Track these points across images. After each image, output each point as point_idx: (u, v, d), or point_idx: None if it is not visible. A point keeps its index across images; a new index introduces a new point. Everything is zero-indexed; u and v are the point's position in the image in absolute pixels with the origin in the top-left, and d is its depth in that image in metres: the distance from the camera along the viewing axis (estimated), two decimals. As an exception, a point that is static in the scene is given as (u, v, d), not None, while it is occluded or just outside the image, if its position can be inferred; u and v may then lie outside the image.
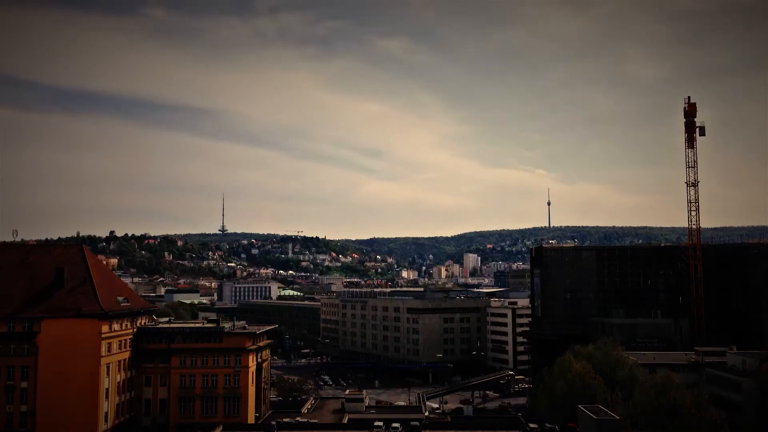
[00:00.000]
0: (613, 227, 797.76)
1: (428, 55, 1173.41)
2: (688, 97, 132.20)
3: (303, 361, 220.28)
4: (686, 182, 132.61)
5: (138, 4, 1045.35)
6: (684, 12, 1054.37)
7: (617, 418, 63.46)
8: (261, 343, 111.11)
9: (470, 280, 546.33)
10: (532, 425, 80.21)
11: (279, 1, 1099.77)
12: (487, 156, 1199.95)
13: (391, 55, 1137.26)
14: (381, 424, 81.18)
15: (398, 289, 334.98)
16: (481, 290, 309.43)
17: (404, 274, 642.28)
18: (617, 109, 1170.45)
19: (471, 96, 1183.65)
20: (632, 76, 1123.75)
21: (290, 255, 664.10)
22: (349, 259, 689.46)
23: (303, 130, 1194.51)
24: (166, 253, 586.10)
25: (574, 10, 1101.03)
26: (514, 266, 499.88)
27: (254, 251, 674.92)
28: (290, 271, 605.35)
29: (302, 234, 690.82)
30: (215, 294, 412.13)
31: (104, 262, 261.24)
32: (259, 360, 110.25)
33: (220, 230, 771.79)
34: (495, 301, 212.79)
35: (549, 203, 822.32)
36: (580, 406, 66.43)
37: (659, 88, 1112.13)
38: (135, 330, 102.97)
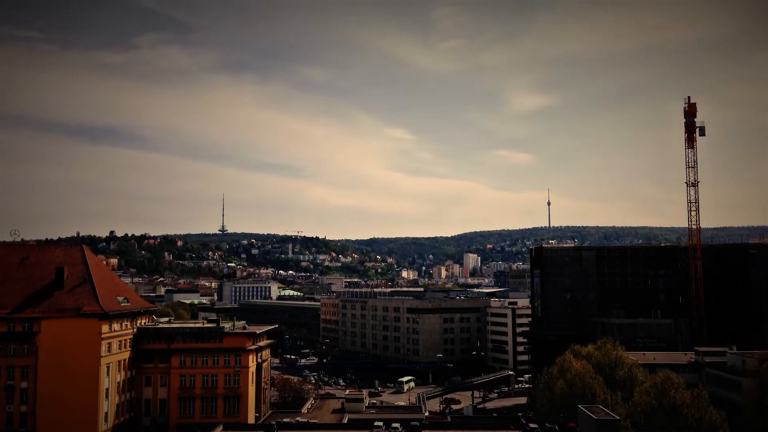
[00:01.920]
0: (613, 227, 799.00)
1: (355, 81, 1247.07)
2: (688, 97, 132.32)
3: (303, 361, 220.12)
4: (686, 182, 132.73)
5: (30, 40, 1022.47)
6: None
7: (617, 418, 63.58)
8: (261, 343, 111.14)
9: (470, 280, 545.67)
10: (532, 425, 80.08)
11: (159, 36, 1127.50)
12: (420, 167, 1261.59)
13: (320, 80, 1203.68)
14: (381, 424, 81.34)
15: (398, 289, 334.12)
16: (481, 290, 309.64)
17: (404, 274, 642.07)
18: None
19: (404, 115, 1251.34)
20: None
21: (290, 255, 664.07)
22: (349, 259, 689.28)
23: (244, 144, 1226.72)
24: (166, 253, 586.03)
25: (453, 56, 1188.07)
26: (514, 266, 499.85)
27: (254, 251, 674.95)
28: (290, 271, 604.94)
29: (302, 234, 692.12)
30: (215, 294, 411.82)
31: (104, 262, 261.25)
32: (259, 360, 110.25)
33: (220, 230, 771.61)
34: (495, 301, 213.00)
35: (549, 203, 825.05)
36: (580, 406, 66.53)
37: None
38: (135, 330, 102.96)
